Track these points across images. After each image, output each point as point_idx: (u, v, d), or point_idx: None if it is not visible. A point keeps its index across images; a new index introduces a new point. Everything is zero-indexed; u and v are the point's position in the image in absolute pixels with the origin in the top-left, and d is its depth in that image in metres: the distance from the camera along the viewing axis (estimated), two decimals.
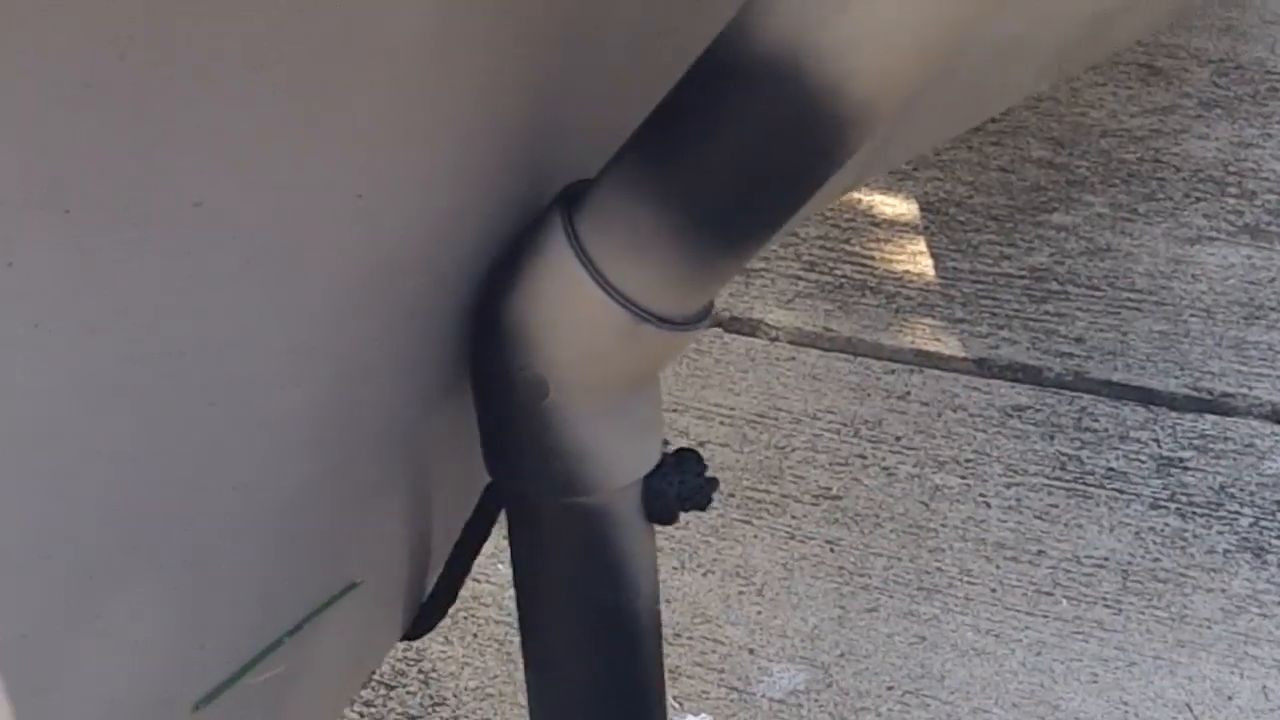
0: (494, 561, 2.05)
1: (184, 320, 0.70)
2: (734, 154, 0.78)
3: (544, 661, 0.97)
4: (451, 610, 2.02)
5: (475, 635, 1.95)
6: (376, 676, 1.88)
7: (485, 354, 0.87)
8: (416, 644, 1.93)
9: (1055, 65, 2.08)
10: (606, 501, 0.91)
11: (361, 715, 1.83)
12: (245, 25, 0.63)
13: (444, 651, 1.92)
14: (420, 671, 1.90)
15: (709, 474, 0.95)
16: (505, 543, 2.15)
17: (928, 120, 1.59)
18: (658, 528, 0.95)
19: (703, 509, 0.95)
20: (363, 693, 1.86)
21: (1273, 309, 2.55)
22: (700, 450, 2.32)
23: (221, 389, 0.74)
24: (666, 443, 0.95)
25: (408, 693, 1.87)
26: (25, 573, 0.67)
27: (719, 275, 0.84)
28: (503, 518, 1.03)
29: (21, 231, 0.60)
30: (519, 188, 0.87)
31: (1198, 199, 2.87)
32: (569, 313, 0.84)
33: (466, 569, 1.02)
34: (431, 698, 1.86)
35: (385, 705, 1.85)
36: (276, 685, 0.87)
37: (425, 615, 1.04)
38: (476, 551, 1.01)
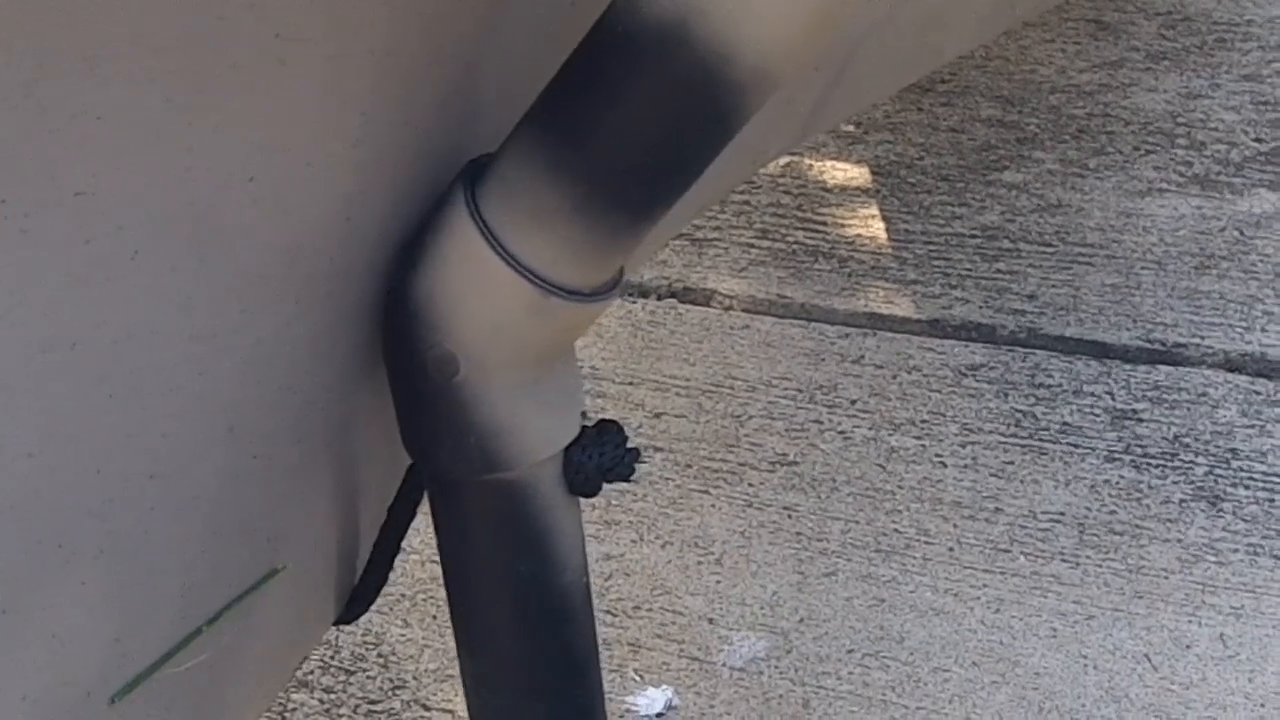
0: None
1: (77, 311, 0.70)
2: (629, 123, 0.78)
3: (475, 641, 0.97)
4: (410, 593, 2.03)
5: (435, 617, 1.95)
6: (336, 661, 1.89)
7: (396, 334, 0.87)
8: (375, 628, 1.93)
9: (1000, 14, 2.08)
10: (526, 476, 0.91)
11: (321, 701, 1.84)
12: (128, 8, 0.63)
13: (403, 634, 1.92)
14: (380, 655, 1.90)
15: (630, 445, 0.95)
16: None
17: (872, 73, 1.59)
18: (615, 501, 0.95)
19: (625, 480, 0.95)
20: (322, 678, 1.86)
21: (1224, 258, 2.56)
22: (657, 421, 2.32)
23: (122, 379, 0.74)
24: (586, 415, 0.95)
25: (367, 676, 1.87)
26: None
27: (624, 245, 0.84)
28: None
29: None
30: (426, 166, 0.87)
31: (1147, 151, 2.88)
32: (475, 289, 0.83)
33: (394, 549, 1.02)
34: (391, 681, 1.87)
35: (345, 690, 1.86)
36: (204, 673, 0.87)
37: (357, 598, 1.04)
38: (403, 532, 1.01)
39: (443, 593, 2.00)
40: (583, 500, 0.96)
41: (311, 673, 1.87)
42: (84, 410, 0.73)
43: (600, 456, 0.93)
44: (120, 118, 0.67)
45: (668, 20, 0.74)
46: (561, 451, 0.92)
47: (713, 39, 0.74)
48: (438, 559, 2.16)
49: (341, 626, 1.09)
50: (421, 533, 2.10)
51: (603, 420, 0.95)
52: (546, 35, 0.90)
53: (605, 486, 0.94)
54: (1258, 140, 2.89)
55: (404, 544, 2.15)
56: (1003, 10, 2.00)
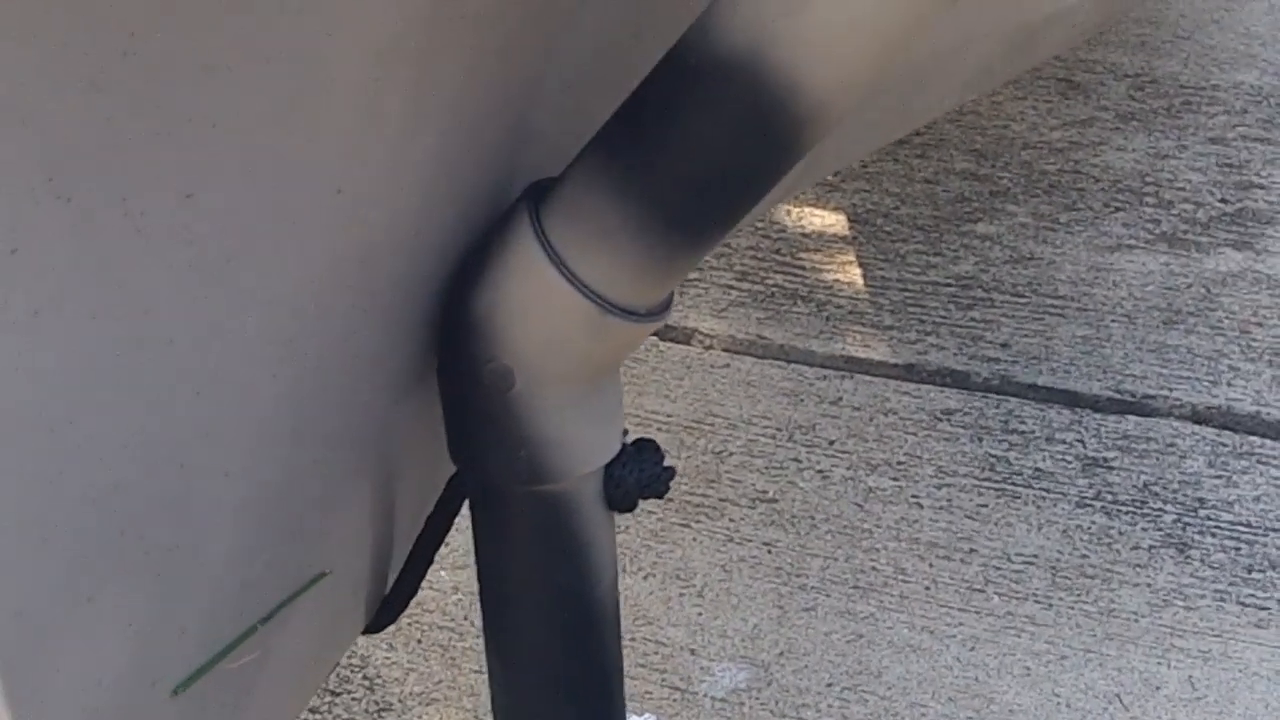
0: (436, 568, 2.07)
1: (175, 309, 0.73)
2: (696, 150, 0.82)
3: (507, 647, 1.01)
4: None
5: (419, 641, 1.97)
6: (321, 685, 1.90)
7: (454, 345, 0.90)
8: (361, 651, 1.95)
9: (980, 78, 2.14)
10: (569, 489, 0.94)
11: None
12: (239, 24, 0.66)
13: (388, 658, 1.94)
14: (365, 678, 1.92)
15: (666, 463, 0.99)
16: (447, 549, 2.17)
17: (856, 131, 1.64)
18: None
19: (660, 496, 0.99)
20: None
21: (1190, 313, 2.64)
22: None
23: (208, 377, 0.77)
24: (626, 432, 0.99)
25: (353, 699, 1.89)
26: (21, 555, 0.70)
27: (680, 268, 0.88)
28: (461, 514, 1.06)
29: (24, 220, 0.63)
30: (488, 185, 0.91)
31: (1117, 208, 2.95)
32: (536, 305, 0.87)
33: (429, 560, 1.05)
34: (377, 703, 1.88)
35: (331, 711, 1.87)
36: (248, 671, 0.89)
37: (388, 607, 1.06)
38: (439, 544, 1.05)
39: (428, 617, 2.03)
40: None
41: None
42: (171, 407, 0.76)
43: (640, 473, 0.97)
44: (229, 125, 0.70)
45: (739, 53, 0.78)
46: (603, 467, 0.95)
47: (781, 72, 0.78)
48: (423, 586, 2.17)
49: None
50: None
51: (641, 439, 0.99)
52: (604, 65, 0.94)
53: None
54: (1223, 201, 2.97)
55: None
56: (983, 75, 2.07)
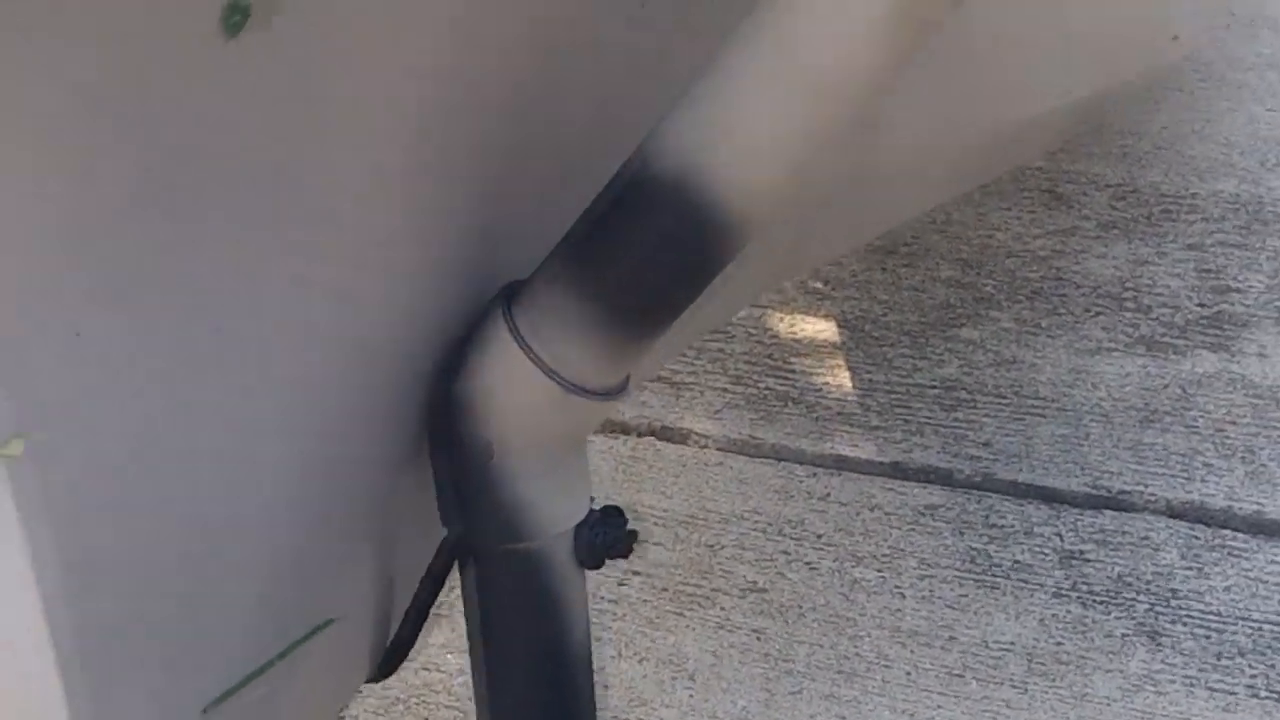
0: (444, 652, 2.22)
1: (206, 396, 0.90)
2: (637, 257, 1.00)
3: (491, 689, 1.16)
4: (405, 699, 2.19)
5: (427, 718, 2.11)
6: None
7: (440, 423, 1.07)
8: None
9: (952, 182, 2.32)
10: (543, 547, 1.10)
11: None
12: (265, 157, 0.85)
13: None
14: None
15: (630, 527, 1.15)
16: (453, 635, 2.32)
17: (837, 229, 1.82)
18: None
19: (624, 557, 1.15)
20: None
21: (1167, 413, 2.79)
22: (636, 547, 2.52)
23: (229, 453, 0.94)
24: (593, 500, 1.15)
25: None
26: (84, 590, 0.87)
27: (632, 355, 1.05)
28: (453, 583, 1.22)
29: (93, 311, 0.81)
30: (468, 287, 1.08)
31: (1097, 313, 3.12)
32: (510, 387, 1.04)
33: (424, 614, 1.21)
34: None
35: None
36: (268, 701, 1.06)
37: (389, 657, 1.22)
38: (432, 600, 1.21)
39: (435, 697, 2.17)
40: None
41: None
42: (197, 475, 0.93)
43: (605, 535, 1.13)
44: (256, 249, 0.89)
45: (671, 175, 0.96)
46: (574, 529, 1.12)
47: (707, 190, 0.96)
48: (430, 668, 2.32)
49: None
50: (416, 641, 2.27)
51: (607, 505, 1.15)
52: (562, 185, 1.12)
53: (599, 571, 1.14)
54: (1200, 305, 3.14)
55: None
56: (954, 178, 2.24)
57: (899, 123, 1.69)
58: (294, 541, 1.03)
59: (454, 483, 1.09)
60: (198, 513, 0.94)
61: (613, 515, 1.14)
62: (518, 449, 1.06)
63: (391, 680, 2.17)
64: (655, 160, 0.95)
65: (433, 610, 2.34)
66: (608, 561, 1.15)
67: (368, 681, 1.23)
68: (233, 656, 1.01)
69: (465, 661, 2.21)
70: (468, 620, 1.16)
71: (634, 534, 1.15)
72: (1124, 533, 2.48)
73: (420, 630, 1.22)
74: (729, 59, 0.94)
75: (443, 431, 1.07)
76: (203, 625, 0.97)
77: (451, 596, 2.30)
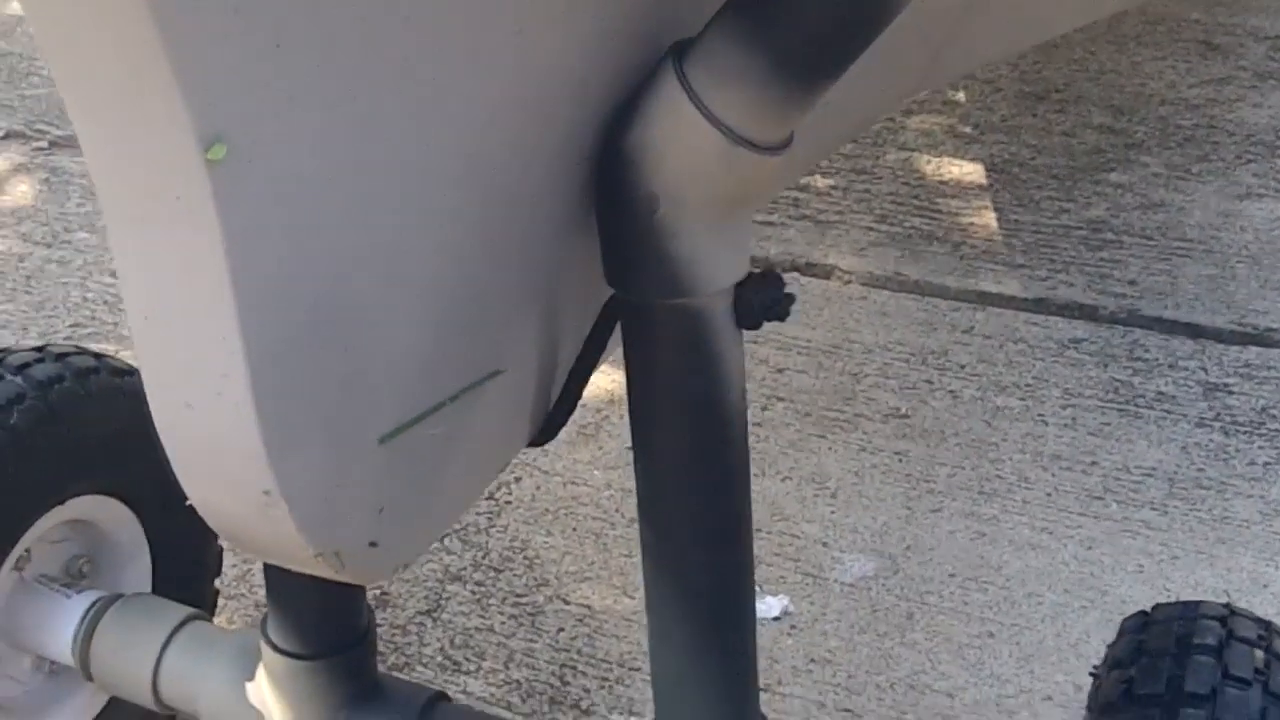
0: (591, 468, 2.26)
1: (389, 136, 0.92)
2: (811, 8, 0.99)
3: (650, 444, 1.18)
4: (554, 508, 2.23)
5: (575, 529, 2.15)
6: (486, 561, 2.10)
7: (610, 178, 1.08)
8: (522, 535, 2.14)
9: (1064, 13, 2.22)
10: (704, 304, 1.11)
11: (473, 593, 2.05)
12: None
13: (547, 542, 2.13)
14: (525, 558, 2.11)
15: (787, 291, 1.15)
16: (599, 452, 2.35)
17: (983, 37, 1.79)
18: None
19: (782, 319, 1.15)
20: (474, 574, 2.08)
21: None
22: (779, 375, 2.52)
23: (415, 177, 0.96)
24: (755, 266, 1.15)
25: (514, 575, 2.08)
26: (283, 327, 0.90)
27: (798, 107, 1.04)
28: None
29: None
30: (641, 43, 1.08)
31: (1248, 160, 3.03)
32: (678, 139, 1.04)
33: (586, 378, 1.22)
34: (536, 579, 2.07)
35: (494, 584, 2.07)
36: (439, 443, 1.08)
37: (551, 421, 1.24)
38: (594, 365, 1.22)
39: (583, 509, 2.21)
40: None
41: (465, 569, 2.08)
42: (379, 219, 0.95)
43: (764, 295, 1.13)
44: None
45: None
46: (732, 287, 1.13)
47: None
48: (578, 482, 2.36)
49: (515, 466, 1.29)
50: (564, 457, 2.31)
51: (768, 269, 1.15)
52: None
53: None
54: None
55: (548, 468, 2.36)
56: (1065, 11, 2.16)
57: None
58: (464, 291, 1.05)
59: (619, 236, 1.09)
60: (377, 241, 0.96)
61: (772, 278, 1.14)
62: (682, 202, 1.06)
63: (539, 493, 2.22)
64: None
65: (581, 429, 2.39)
66: (765, 325, 1.15)
67: (529, 445, 1.25)
68: (408, 393, 1.03)
69: (610, 476, 2.26)
70: (629, 379, 1.17)
71: (791, 297, 1.15)
72: (1269, 367, 2.43)
73: (581, 394, 1.23)
74: None
75: (609, 186, 1.08)
76: (379, 357, 1.00)
77: (599, 418, 2.34)
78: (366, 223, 0.94)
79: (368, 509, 1.03)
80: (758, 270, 1.14)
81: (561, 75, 1.03)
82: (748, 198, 1.11)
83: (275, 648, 1.38)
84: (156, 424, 0.97)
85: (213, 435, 0.94)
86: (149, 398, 0.96)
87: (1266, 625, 1.22)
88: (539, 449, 2.35)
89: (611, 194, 1.09)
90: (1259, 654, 1.15)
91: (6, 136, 3.35)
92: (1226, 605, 1.24)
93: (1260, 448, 2.26)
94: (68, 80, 0.85)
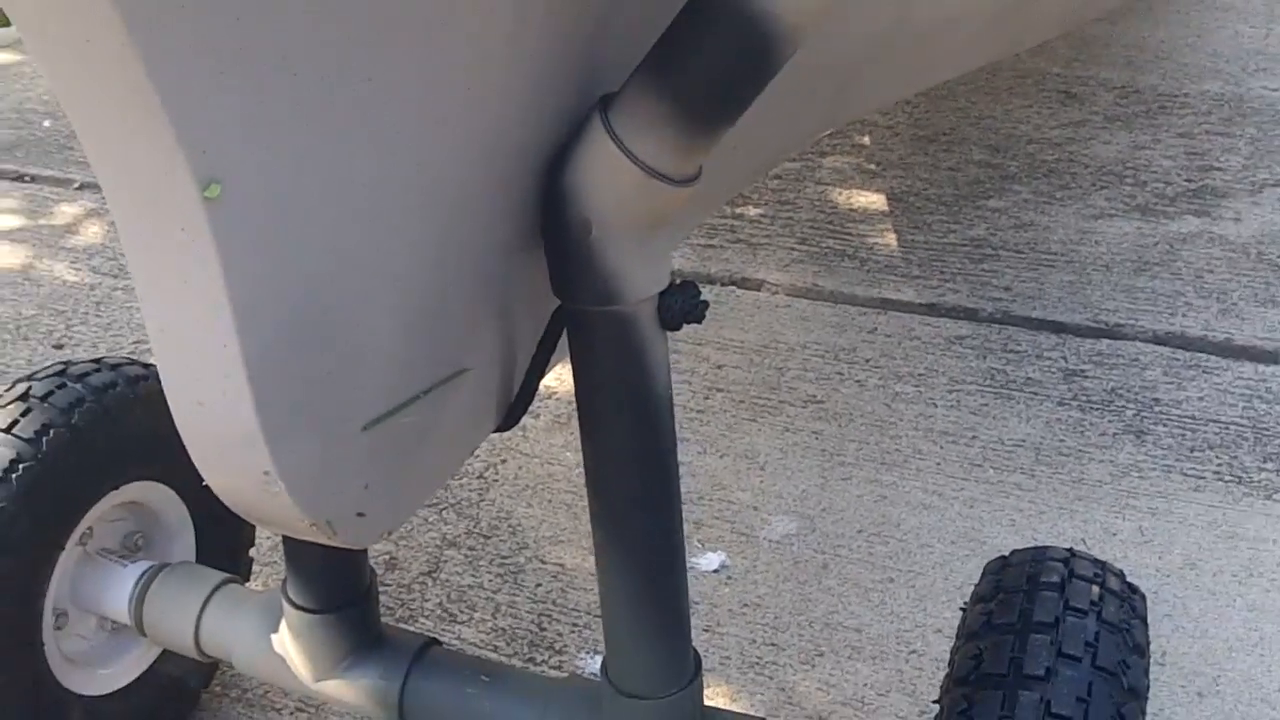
0: (564, 450, 2.25)
1: (364, 163, 0.91)
2: (707, 67, 0.98)
3: (594, 428, 1.17)
4: (533, 484, 2.21)
5: (550, 501, 2.14)
6: (477, 530, 2.08)
7: (551, 206, 1.07)
8: (508, 507, 2.13)
9: (990, 39, 2.20)
10: (633, 310, 1.10)
11: (467, 556, 2.03)
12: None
13: (527, 513, 2.12)
14: (509, 526, 2.10)
15: (702, 298, 1.14)
16: (571, 437, 2.33)
17: (880, 80, 1.77)
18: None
19: (699, 321, 1.14)
20: (465, 540, 2.06)
21: (1156, 264, 2.72)
22: (719, 370, 2.50)
23: (386, 202, 0.95)
24: (675, 277, 1.14)
25: (500, 540, 2.07)
26: (276, 324, 0.88)
27: (703, 147, 1.03)
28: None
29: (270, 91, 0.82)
30: (573, 98, 1.07)
31: (1101, 187, 3.04)
32: (606, 175, 1.03)
33: (541, 374, 1.21)
34: (518, 544, 2.06)
35: (484, 549, 2.05)
36: (416, 430, 1.07)
37: (512, 411, 1.23)
38: (547, 361, 1.21)
39: (557, 485, 2.19)
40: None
41: (459, 536, 2.07)
42: (354, 229, 0.94)
43: (683, 302, 1.12)
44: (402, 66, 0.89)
45: None
46: (657, 295, 1.12)
47: (760, 4, 0.94)
48: (553, 462, 2.34)
49: (499, 435, 1.27)
50: (541, 442, 2.29)
51: (686, 280, 1.14)
52: (651, 13, 1.10)
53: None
54: (1187, 180, 3.04)
55: (529, 451, 2.33)
56: (989, 38, 2.13)
57: None
58: (431, 302, 1.04)
59: (561, 256, 1.08)
60: (351, 261, 0.94)
61: (690, 287, 1.13)
62: (610, 226, 1.05)
63: (521, 472, 2.20)
64: None
65: (555, 418, 2.36)
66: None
67: (495, 431, 1.24)
68: (386, 388, 1.02)
69: (580, 457, 2.24)
70: (575, 375, 1.16)
71: (706, 304, 1.14)
72: (1117, 355, 2.43)
73: (537, 387, 1.22)
74: None
75: (552, 213, 1.07)
76: (359, 358, 0.98)
77: (570, 408, 2.32)
78: (341, 248, 0.93)
79: (354, 485, 1.01)
80: (678, 281, 1.14)
81: (508, 124, 1.02)
82: (665, 221, 1.10)
83: (293, 604, 1.37)
84: (175, 419, 0.96)
85: (220, 427, 0.93)
86: (168, 397, 0.95)
87: (1102, 565, 1.21)
88: (521, 436, 2.33)
89: (554, 220, 1.08)
90: (1095, 589, 1.15)
91: (81, 187, 3.32)
92: (1069, 549, 1.23)
93: (1110, 421, 2.26)
94: (86, 135, 0.84)
